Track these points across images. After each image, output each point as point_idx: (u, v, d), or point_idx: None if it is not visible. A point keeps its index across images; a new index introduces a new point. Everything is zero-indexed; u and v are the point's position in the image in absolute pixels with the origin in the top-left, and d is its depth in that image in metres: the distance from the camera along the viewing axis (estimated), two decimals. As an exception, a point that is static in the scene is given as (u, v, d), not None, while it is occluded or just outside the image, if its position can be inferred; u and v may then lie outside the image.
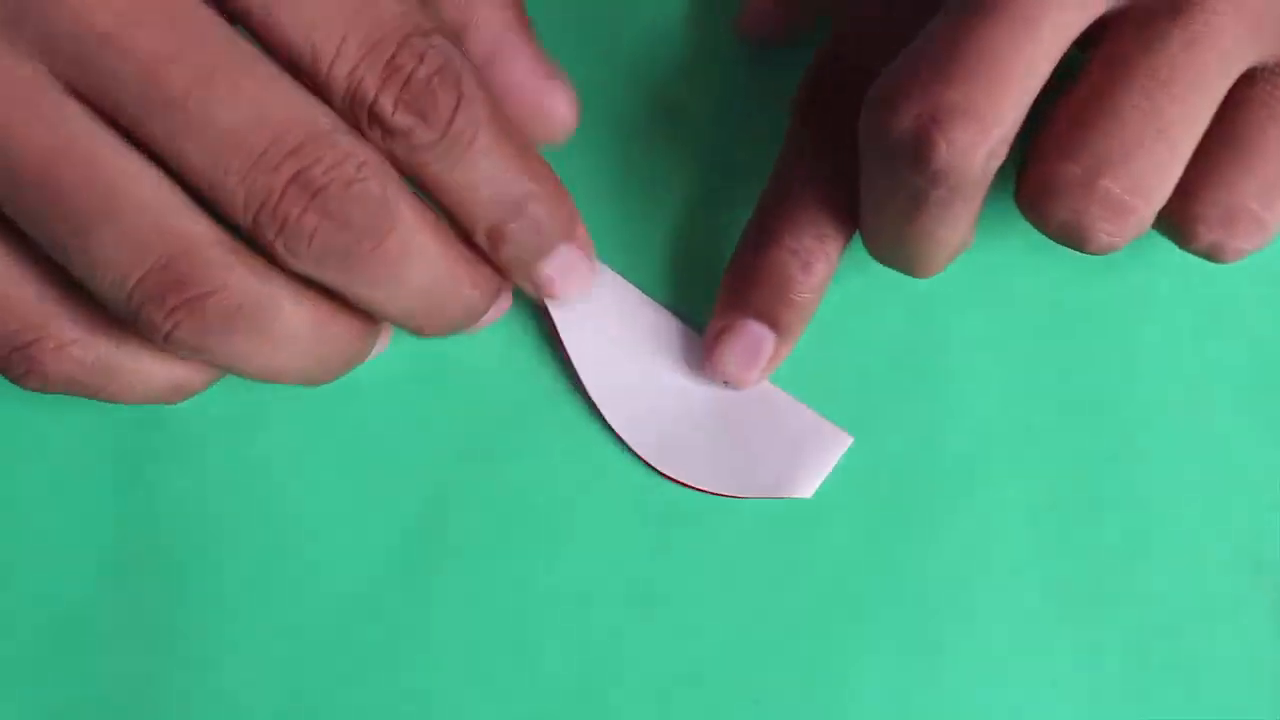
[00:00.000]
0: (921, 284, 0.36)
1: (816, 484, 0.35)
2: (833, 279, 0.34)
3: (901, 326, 0.36)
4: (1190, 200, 0.28)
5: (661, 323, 0.35)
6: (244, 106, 0.26)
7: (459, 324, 0.31)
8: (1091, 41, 0.28)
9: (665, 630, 0.35)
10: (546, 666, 0.35)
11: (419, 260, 0.29)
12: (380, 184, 0.27)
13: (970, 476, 0.35)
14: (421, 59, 0.27)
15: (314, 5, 0.27)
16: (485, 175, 0.29)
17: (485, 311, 0.32)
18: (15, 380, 0.30)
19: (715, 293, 0.35)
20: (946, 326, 0.36)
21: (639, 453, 0.35)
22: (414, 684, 0.35)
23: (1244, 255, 0.28)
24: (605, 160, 0.36)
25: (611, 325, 0.35)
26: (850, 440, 0.35)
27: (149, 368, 0.31)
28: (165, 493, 0.35)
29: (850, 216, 0.33)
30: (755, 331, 0.34)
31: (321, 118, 0.27)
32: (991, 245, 0.36)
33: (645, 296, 0.35)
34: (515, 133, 0.29)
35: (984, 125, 0.26)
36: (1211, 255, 0.29)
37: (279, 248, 0.27)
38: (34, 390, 0.30)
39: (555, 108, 0.30)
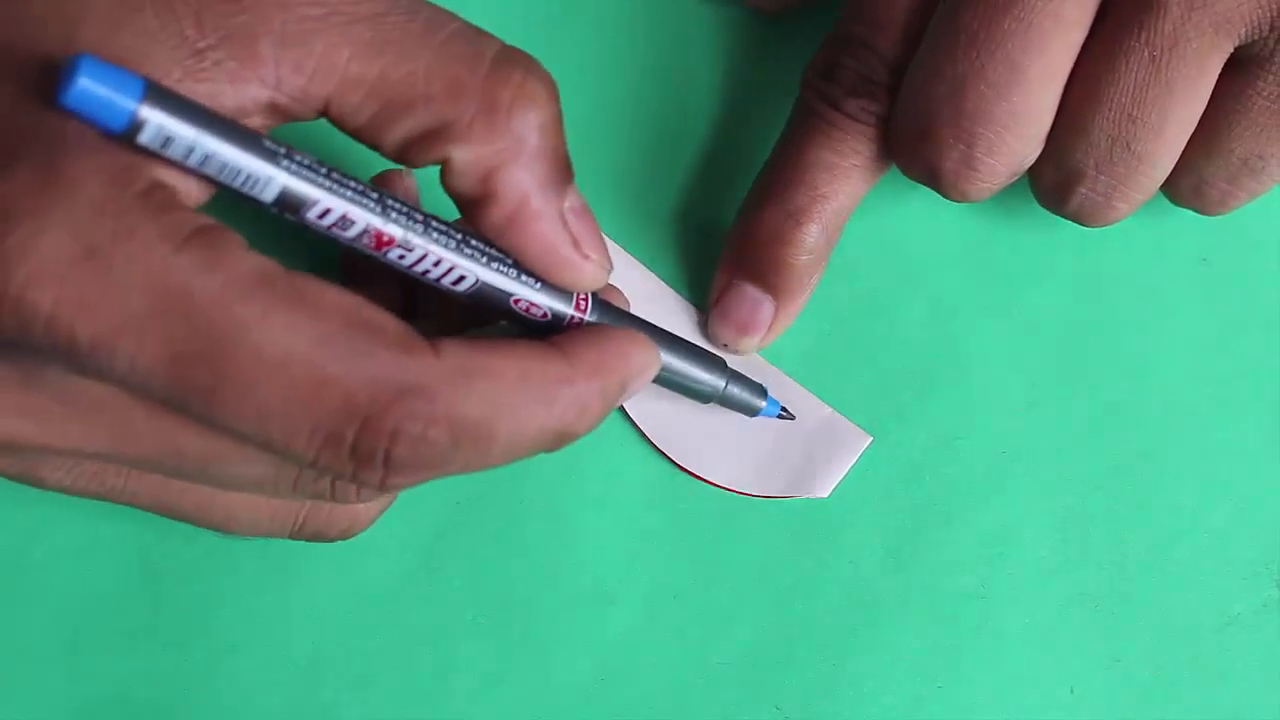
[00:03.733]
0: (944, 286, 0.36)
1: (835, 482, 0.35)
2: (853, 272, 0.34)
3: (923, 328, 0.36)
4: (1171, 173, 0.31)
5: (686, 317, 0.36)
6: None
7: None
8: None
9: (685, 631, 0.35)
10: (565, 666, 0.35)
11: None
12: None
13: (991, 480, 0.35)
14: (393, 437, 0.25)
15: (266, 391, 0.24)
16: (520, 456, 0.27)
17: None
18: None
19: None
20: (968, 329, 0.36)
21: (661, 448, 0.35)
22: (433, 683, 0.35)
23: (1227, 211, 0.32)
24: (616, 133, 0.36)
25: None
26: (870, 439, 0.35)
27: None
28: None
29: (847, 178, 0.33)
30: (752, 295, 0.34)
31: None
32: (1012, 251, 0.36)
33: (671, 290, 0.36)
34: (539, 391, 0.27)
35: (1012, 165, 0.31)
36: (1199, 210, 0.33)
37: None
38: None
39: (576, 282, 0.28)
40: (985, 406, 0.35)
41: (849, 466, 0.35)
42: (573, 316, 0.29)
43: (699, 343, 0.35)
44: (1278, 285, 0.36)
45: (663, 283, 0.36)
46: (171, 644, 0.35)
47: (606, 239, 0.34)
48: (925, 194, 0.33)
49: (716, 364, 0.33)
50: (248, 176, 0.25)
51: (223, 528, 0.31)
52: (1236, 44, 0.29)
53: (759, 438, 0.35)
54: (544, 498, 0.35)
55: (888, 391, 0.36)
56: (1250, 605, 0.35)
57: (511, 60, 0.27)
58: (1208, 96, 0.30)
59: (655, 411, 0.35)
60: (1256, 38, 0.29)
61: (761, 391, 0.34)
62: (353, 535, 0.32)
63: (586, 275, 0.28)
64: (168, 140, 0.24)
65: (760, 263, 0.34)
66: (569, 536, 0.35)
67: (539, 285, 0.28)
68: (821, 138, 0.33)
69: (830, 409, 0.35)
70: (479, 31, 0.27)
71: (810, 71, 0.33)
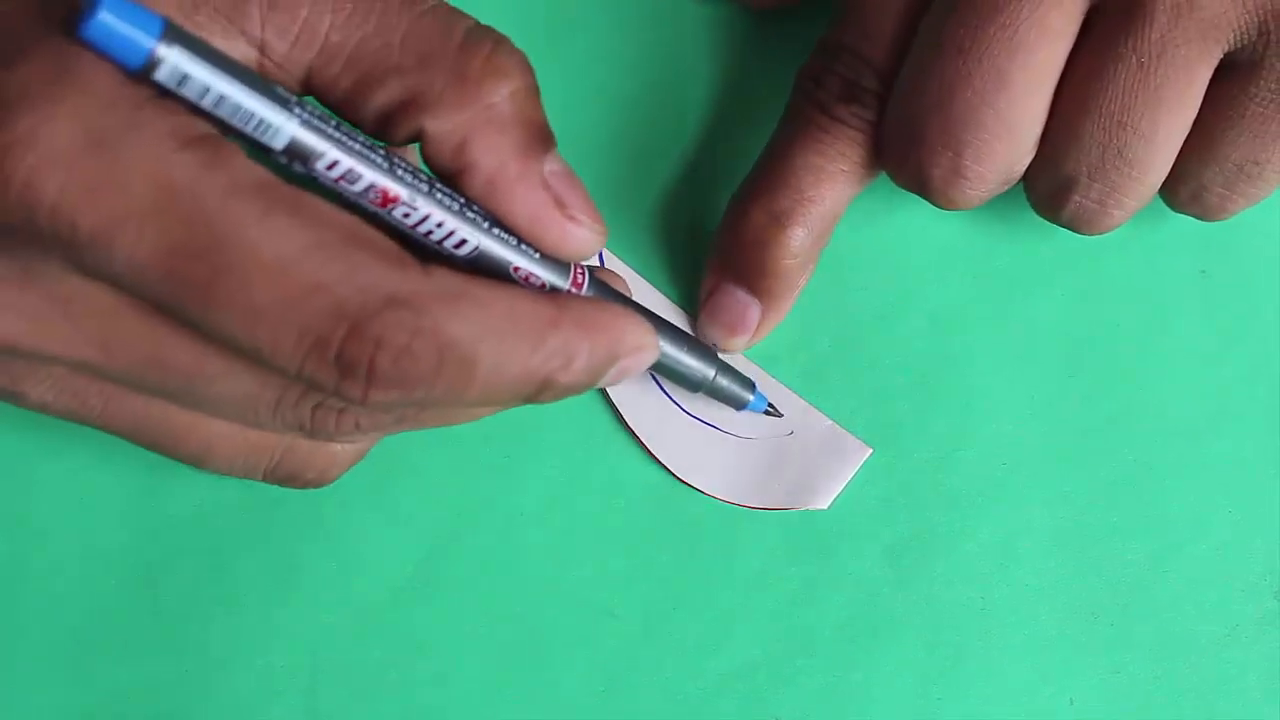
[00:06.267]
0: (944, 298, 0.36)
1: (835, 494, 0.35)
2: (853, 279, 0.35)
3: (923, 339, 0.36)
4: (1169, 180, 0.32)
5: (675, 319, 0.36)
6: None
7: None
8: None
9: (684, 642, 0.35)
10: (566, 678, 0.35)
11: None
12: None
13: (991, 491, 0.35)
14: (378, 345, 0.25)
15: (258, 291, 0.24)
16: (484, 405, 0.27)
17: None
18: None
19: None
20: (968, 341, 0.36)
21: (660, 460, 0.35)
22: (432, 694, 0.35)
23: (1227, 217, 0.32)
24: (606, 132, 0.36)
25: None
26: (870, 451, 0.35)
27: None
28: (185, 500, 0.35)
29: (834, 182, 0.33)
30: (739, 297, 0.34)
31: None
32: (1012, 263, 0.36)
33: (669, 301, 0.36)
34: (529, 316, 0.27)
35: (1000, 173, 0.31)
36: (1199, 217, 0.33)
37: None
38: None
39: (564, 243, 0.28)
40: (985, 418, 0.36)
41: (849, 478, 0.35)
42: (569, 290, 0.29)
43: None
44: (1276, 296, 0.36)
45: (650, 285, 0.36)
46: (171, 654, 0.35)
47: (624, 265, 0.34)
48: (924, 205, 0.33)
49: (707, 354, 0.33)
50: (260, 122, 0.25)
51: (199, 461, 0.30)
52: (1225, 50, 0.29)
53: (758, 450, 0.35)
54: (543, 509, 0.35)
55: (888, 403, 0.36)
56: (1250, 616, 0.35)
57: (482, 34, 0.27)
58: (1198, 102, 0.30)
59: (654, 424, 0.35)
60: (1245, 43, 0.29)
61: (750, 385, 0.34)
62: (325, 483, 0.32)
63: (576, 238, 0.28)
64: (184, 79, 0.24)
65: (746, 265, 0.34)
66: (568, 548, 0.35)
67: (538, 255, 0.28)
68: (810, 141, 0.33)
69: (830, 421, 0.35)
70: (455, 10, 0.28)
71: (801, 76, 0.33)
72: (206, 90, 0.25)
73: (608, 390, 0.35)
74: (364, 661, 0.35)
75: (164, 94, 0.25)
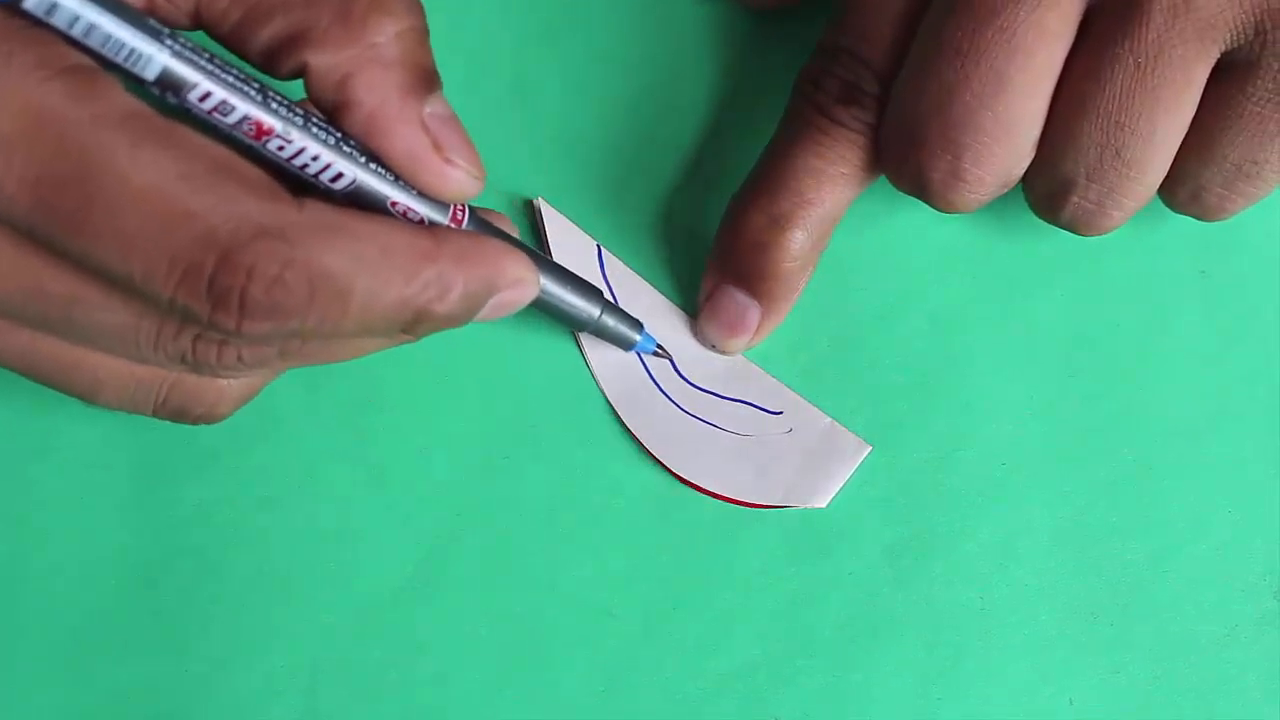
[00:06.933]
0: (944, 298, 0.36)
1: (834, 492, 0.35)
2: (858, 281, 0.35)
3: (923, 339, 0.36)
4: (1167, 181, 0.31)
5: (680, 325, 0.36)
6: None
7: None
8: None
9: (684, 642, 0.35)
10: (565, 678, 0.35)
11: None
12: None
13: (991, 491, 0.35)
14: (249, 274, 0.25)
15: (129, 219, 0.25)
16: (361, 335, 0.28)
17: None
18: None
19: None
20: (968, 340, 0.36)
21: (658, 458, 0.35)
22: (432, 695, 0.35)
23: (1226, 217, 0.32)
24: (605, 132, 0.36)
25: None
26: (869, 450, 0.35)
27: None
28: (185, 501, 0.35)
29: (834, 185, 0.33)
30: (737, 299, 0.34)
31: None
32: (1012, 263, 0.36)
33: (665, 299, 0.36)
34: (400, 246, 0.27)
35: (999, 175, 0.31)
36: (1197, 217, 0.32)
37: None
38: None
39: (441, 185, 0.28)
40: (985, 417, 0.36)
41: (848, 477, 0.35)
42: (448, 227, 0.29)
43: (690, 344, 0.35)
44: (1276, 297, 0.36)
45: (650, 285, 0.36)
46: (171, 654, 0.35)
47: (619, 262, 0.34)
48: (924, 206, 0.33)
49: (593, 292, 0.33)
50: (130, 51, 0.25)
51: (89, 395, 0.30)
52: (1222, 50, 0.29)
53: (758, 448, 0.35)
54: (542, 508, 0.35)
55: (887, 402, 0.36)
56: (1250, 616, 0.35)
57: None
58: (1196, 102, 0.30)
59: (653, 422, 0.35)
60: (1242, 43, 0.29)
61: (638, 325, 0.34)
62: (215, 419, 0.31)
63: (452, 181, 0.28)
64: (53, 7, 0.25)
65: (746, 267, 0.34)
66: (568, 547, 0.35)
67: (415, 192, 0.29)
68: (810, 144, 0.33)
69: (830, 419, 0.35)
70: None
71: (801, 78, 0.33)
72: (75, 19, 0.25)
73: (606, 391, 0.35)
74: (364, 661, 0.35)
75: (37, 24, 0.25)
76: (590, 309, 0.33)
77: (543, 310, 0.32)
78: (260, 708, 0.35)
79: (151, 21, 0.26)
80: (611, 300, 0.34)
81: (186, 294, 0.25)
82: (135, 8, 0.26)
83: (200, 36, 0.28)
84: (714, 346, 0.35)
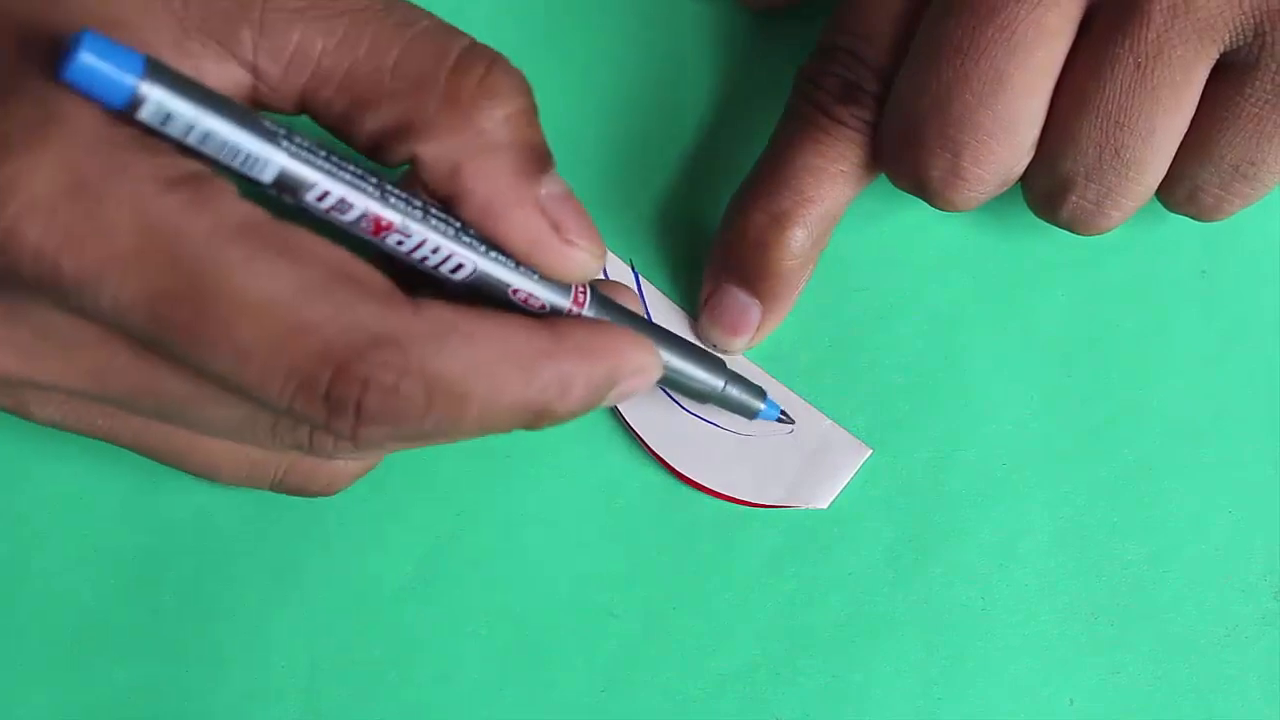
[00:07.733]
0: (944, 298, 0.36)
1: (834, 494, 0.35)
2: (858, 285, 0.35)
3: (924, 340, 0.36)
4: (1165, 181, 0.31)
5: (681, 326, 0.36)
6: None
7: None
8: None
9: (684, 641, 0.35)
10: (566, 678, 0.35)
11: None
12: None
13: (991, 492, 0.35)
14: (365, 385, 0.25)
15: (244, 333, 0.24)
16: (482, 434, 0.27)
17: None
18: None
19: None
20: (969, 341, 0.36)
21: (660, 456, 0.35)
22: (432, 694, 0.35)
23: (1224, 218, 0.32)
24: (605, 132, 0.36)
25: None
26: (870, 451, 0.35)
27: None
28: (184, 501, 0.35)
29: (834, 183, 0.33)
30: (738, 298, 0.34)
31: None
32: (1012, 263, 0.36)
33: (667, 299, 0.36)
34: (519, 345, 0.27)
35: (999, 174, 0.31)
36: (1195, 217, 0.32)
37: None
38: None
39: (562, 268, 0.28)
40: (985, 418, 0.36)
41: (849, 478, 0.35)
42: (570, 310, 0.29)
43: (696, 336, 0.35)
44: (1276, 297, 0.36)
45: (650, 285, 0.36)
46: (171, 654, 0.35)
47: (621, 263, 0.34)
48: (924, 205, 0.33)
49: (716, 364, 0.33)
50: (247, 156, 0.25)
51: (205, 474, 0.31)
52: (1221, 50, 0.29)
53: (759, 448, 0.35)
54: (543, 508, 0.35)
55: (888, 403, 0.36)
56: (1250, 617, 0.35)
57: (476, 55, 0.27)
58: (1195, 103, 0.30)
59: (655, 420, 0.35)
60: (1241, 44, 0.29)
61: (760, 393, 0.34)
62: (333, 492, 0.32)
63: (573, 262, 0.28)
64: (168, 117, 0.24)
65: (746, 266, 0.34)
66: (568, 546, 0.35)
67: (537, 276, 0.28)
68: (810, 142, 0.33)
69: (830, 421, 0.35)
70: (449, 29, 0.27)
71: (800, 77, 0.33)
72: (191, 127, 0.24)
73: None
74: (364, 661, 0.35)
75: (149, 133, 0.24)
76: (714, 381, 0.32)
77: (666, 385, 0.32)
78: (260, 708, 0.35)
79: (267, 123, 0.25)
80: (734, 372, 0.33)
81: (303, 404, 0.25)
82: (248, 109, 0.25)
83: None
84: (715, 346, 0.35)
